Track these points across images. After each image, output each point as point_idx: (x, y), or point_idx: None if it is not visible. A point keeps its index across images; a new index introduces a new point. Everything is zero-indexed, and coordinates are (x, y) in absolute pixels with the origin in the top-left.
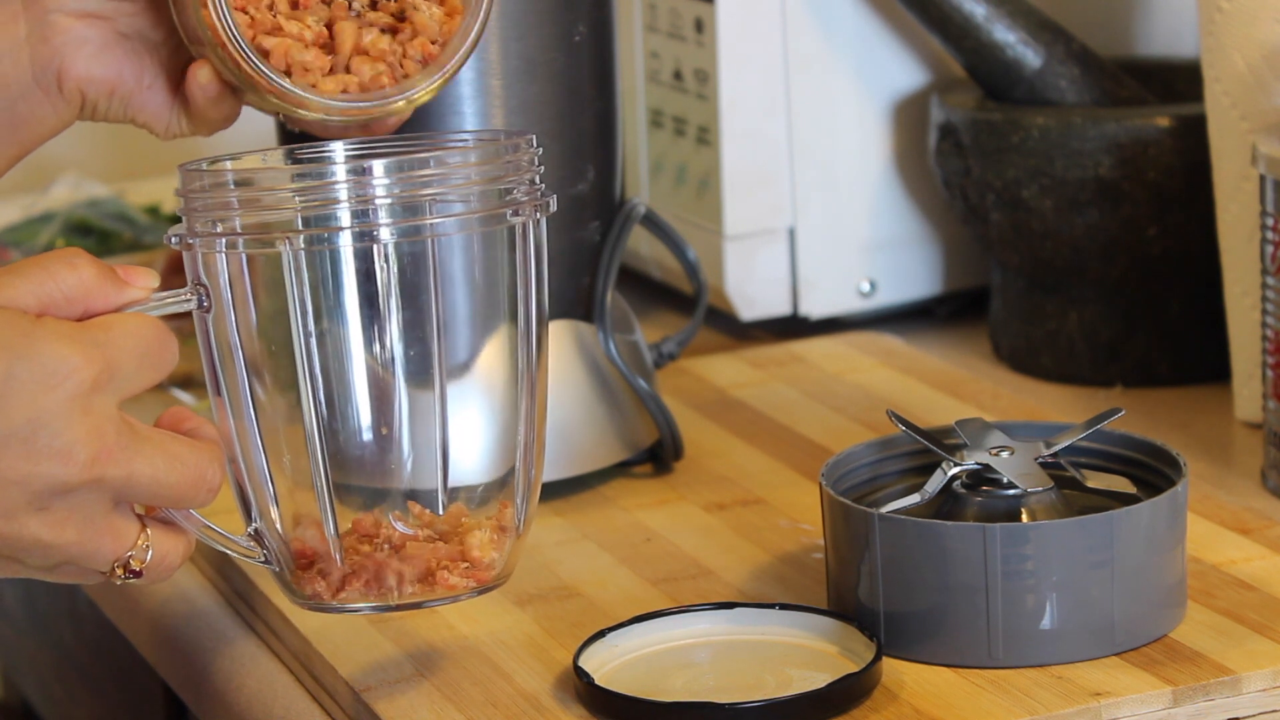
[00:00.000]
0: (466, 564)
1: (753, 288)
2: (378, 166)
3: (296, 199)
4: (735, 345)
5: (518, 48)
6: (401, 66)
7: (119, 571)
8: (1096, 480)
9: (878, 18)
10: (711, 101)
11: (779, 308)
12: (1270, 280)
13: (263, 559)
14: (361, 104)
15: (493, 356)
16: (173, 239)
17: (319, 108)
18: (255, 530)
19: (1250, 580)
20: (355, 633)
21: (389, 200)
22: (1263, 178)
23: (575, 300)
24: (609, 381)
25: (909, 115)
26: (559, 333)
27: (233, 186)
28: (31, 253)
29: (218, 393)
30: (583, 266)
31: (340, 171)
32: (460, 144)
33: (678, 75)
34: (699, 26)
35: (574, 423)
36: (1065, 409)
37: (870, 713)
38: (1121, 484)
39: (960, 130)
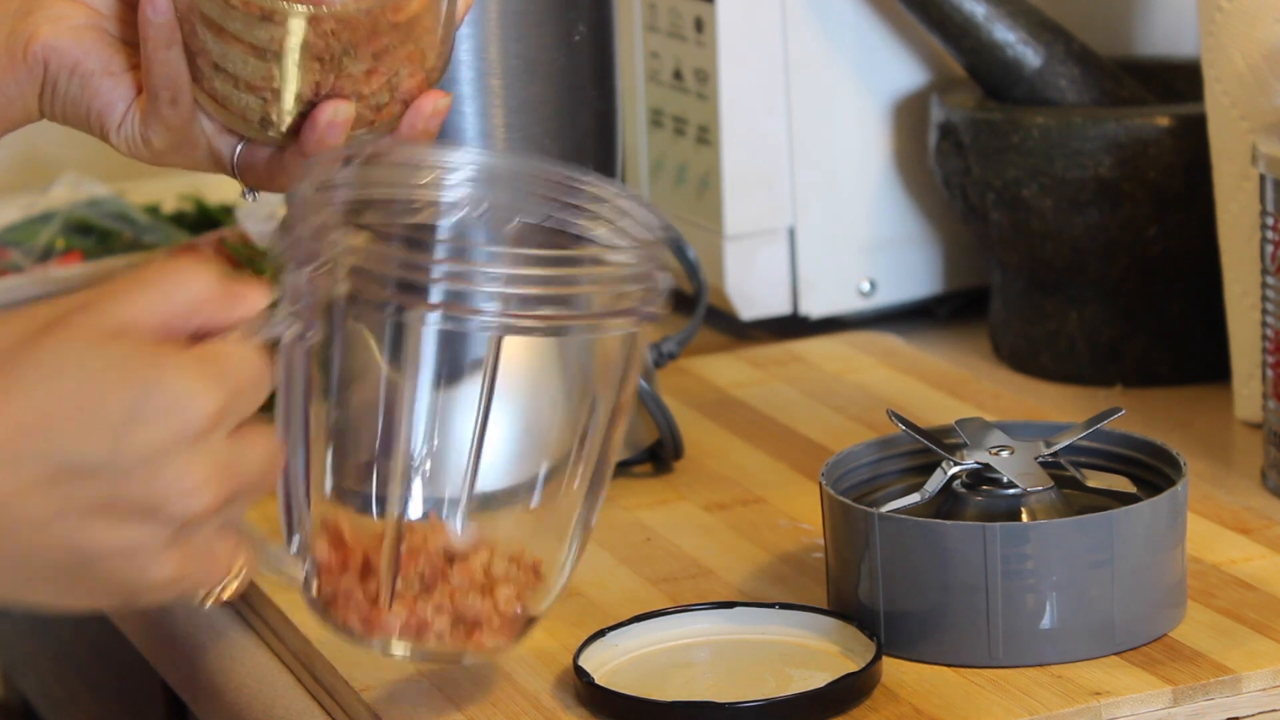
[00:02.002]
0: (499, 620)
1: (753, 287)
2: (524, 258)
3: (435, 271)
4: (735, 345)
5: (518, 48)
6: None
7: (212, 598)
8: (1096, 480)
9: (878, 18)
10: (711, 101)
11: (779, 307)
12: (1270, 280)
13: (302, 581)
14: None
15: (563, 435)
16: (292, 264)
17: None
18: (300, 550)
19: (1250, 580)
20: None
21: (532, 293)
22: (1263, 177)
23: None
24: None
25: (909, 115)
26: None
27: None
28: (31, 253)
29: (284, 422)
30: None
31: (485, 254)
32: (613, 231)
33: (678, 75)
34: (699, 26)
35: None
36: (1065, 409)
37: (870, 712)
38: (1121, 484)
39: (960, 130)
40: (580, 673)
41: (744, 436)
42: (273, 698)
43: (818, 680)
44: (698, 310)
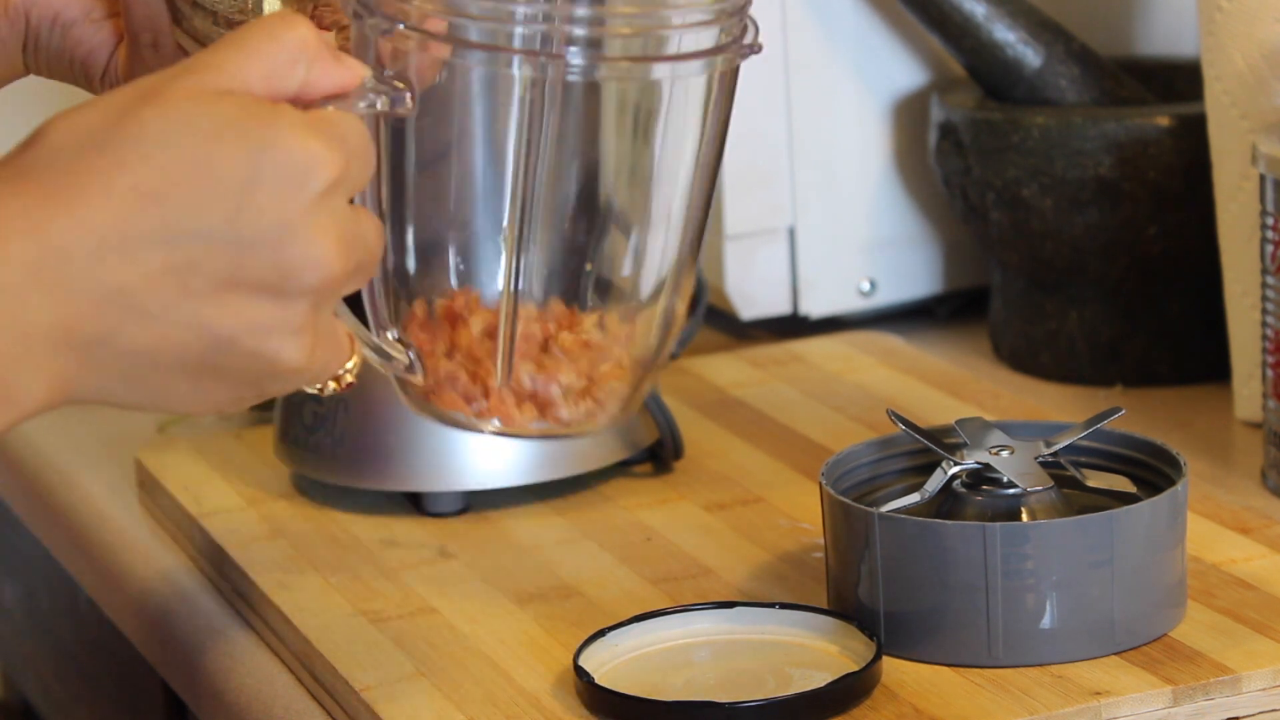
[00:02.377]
0: (613, 384)
1: (753, 287)
2: None
3: (520, 15)
4: (735, 345)
5: None
6: None
7: (332, 387)
8: (1096, 480)
9: (878, 18)
10: None
11: (779, 307)
12: (1270, 280)
13: (406, 366)
14: None
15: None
16: (382, 27)
17: None
18: (399, 338)
19: (1250, 580)
20: (356, 632)
21: (630, 31)
22: (1263, 177)
23: None
24: None
25: (909, 115)
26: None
27: None
28: None
29: (374, 201)
30: None
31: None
32: None
33: None
34: None
35: None
36: (1065, 409)
37: (870, 712)
38: (1121, 483)
39: (960, 130)
40: (580, 673)
41: (744, 436)
42: (273, 698)
43: (818, 680)
44: (698, 310)
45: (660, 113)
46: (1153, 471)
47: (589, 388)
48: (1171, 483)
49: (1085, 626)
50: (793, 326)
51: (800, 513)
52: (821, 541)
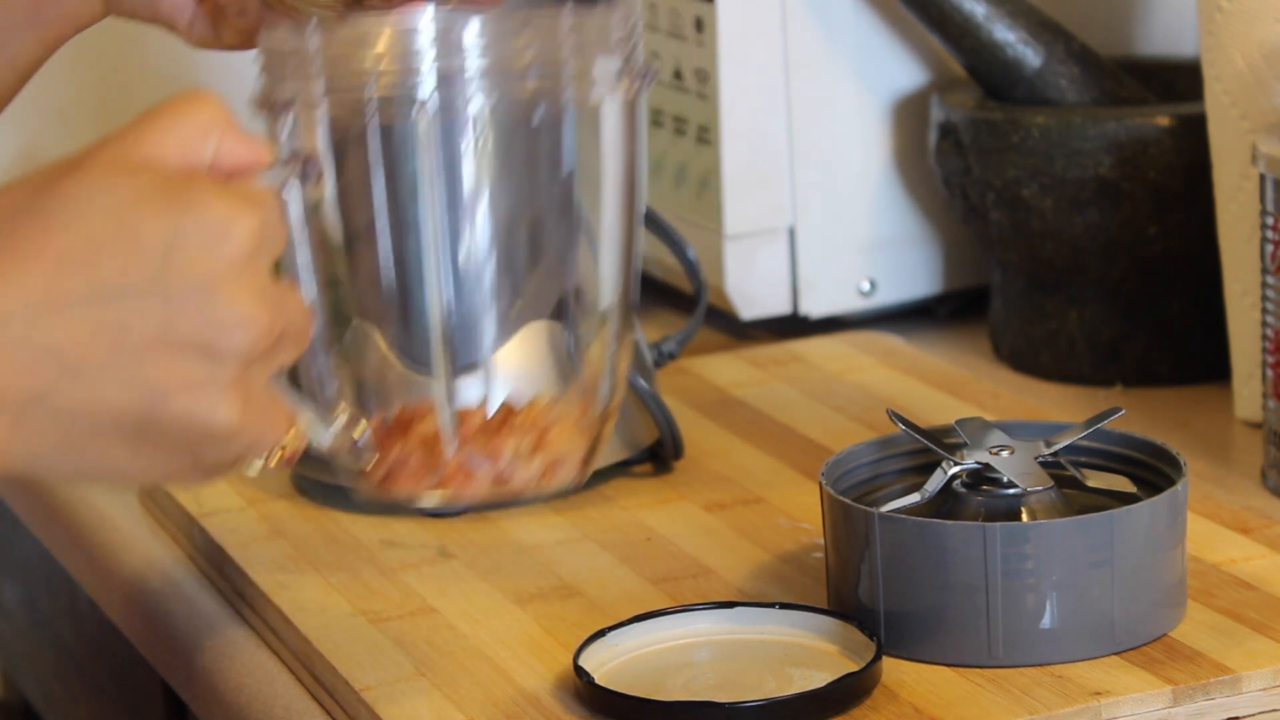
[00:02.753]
0: (546, 459)
1: (753, 287)
2: (496, 28)
3: (426, 63)
4: (735, 345)
5: None
6: None
7: (274, 459)
8: (1096, 480)
9: (878, 18)
10: (711, 101)
11: (779, 307)
12: (1270, 280)
13: (350, 448)
14: None
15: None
16: (277, 104)
17: None
18: (346, 420)
19: (1250, 580)
20: (355, 632)
21: (524, 65)
22: (1263, 177)
23: None
24: None
25: (909, 115)
26: (558, 332)
27: (373, 47)
28: None
29: (306, 277)
30: None
31: (472, 29)
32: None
33: (678, 75)
34: (699, 26)
35: None
36: (1065, 408)
37: (870, 712)
38: (1121, 483)
39: (960, 130)
40: (580, 673)
41: (744, 436)
42: (272, 697)
43: (818, 680)
44: (698, 310)
45: (563, 149)
46: (1153, 471)
47: (542, 446)
48: (1171, 483)
49: (1085, 626)
50: (793, 326)
51: (800, 513)
52: (821, 541)
